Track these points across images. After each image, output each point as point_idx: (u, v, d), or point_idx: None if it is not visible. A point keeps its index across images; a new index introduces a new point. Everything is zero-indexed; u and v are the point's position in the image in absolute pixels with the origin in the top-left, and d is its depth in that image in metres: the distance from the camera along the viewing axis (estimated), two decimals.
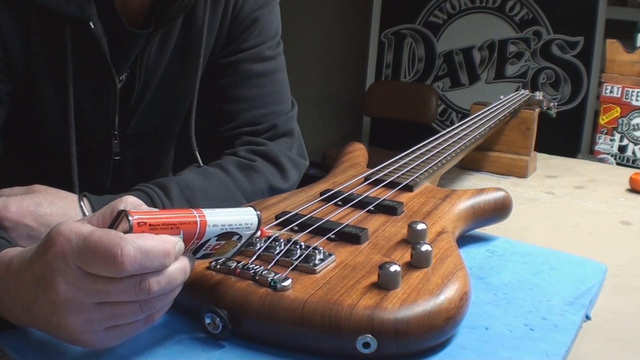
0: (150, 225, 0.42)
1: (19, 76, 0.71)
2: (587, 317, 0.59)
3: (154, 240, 0.41)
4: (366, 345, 0.46)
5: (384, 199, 0.67)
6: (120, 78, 0.77)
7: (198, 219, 0.44)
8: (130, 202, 0.47)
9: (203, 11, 0.79)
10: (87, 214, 0.65)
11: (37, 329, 0.46)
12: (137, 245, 0.40)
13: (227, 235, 0.46)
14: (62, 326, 0.42)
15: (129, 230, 0.42)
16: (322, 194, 0.68)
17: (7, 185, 0.65)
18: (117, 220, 0.43)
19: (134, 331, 0.44)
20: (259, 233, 0.49)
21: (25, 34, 0.69)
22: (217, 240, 0.46)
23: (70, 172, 0.73)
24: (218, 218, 0.45)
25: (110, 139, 0.81)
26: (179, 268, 0.44)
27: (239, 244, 0.48)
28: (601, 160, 1.49)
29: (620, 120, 1.48)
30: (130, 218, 0.42)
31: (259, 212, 0.48)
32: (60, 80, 0.72)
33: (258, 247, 0.54)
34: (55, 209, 0.63)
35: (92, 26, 0.69)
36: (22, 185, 0.65)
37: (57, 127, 0.76)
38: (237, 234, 0.47)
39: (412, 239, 0.58)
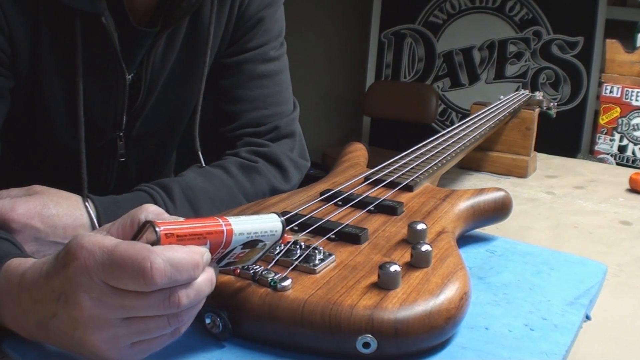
0: (177, 236, 0.41)
1: (26, 71, 0.71)
2: (587, 317, 0.59)
3: (182, 252, 0.40)
4: (366, 345, 0.46)
5: (384, 199, 0.67)
6: (127, 77, 0.77)
7: (225, 228, 0.43)
8: (151, 211, 0.46)
9: (210, 11, 0.79)
10: (92, 214, 0.64)
11: (54, 345, 0.45)
12: (166, 257, 0.39)
13: (252, 243, 0.46)
14: (85, 343, 0.41)
15: (156, 241, 0.41)
16: (322, 194, 0.68)
17: (9, 185, 0.65)
18: (142, 231, 0.42)
19: (159, 345, 0.44)
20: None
21: (33, 28, 0.69)
22: (242, 248, 0.45)
23: (78, 170, 0.72)
24: (244, 226, 0.44)
25: (116, 140, 0.81)
26: (206, 279, 0.43)
27: (263, 251, 0.48)
28: (601, 160, 1.49)
29: (620, 120, 1.48)
30: (157, 229, 0.41)
31: (282, 219, 0.47)
32: (69, 76, 0.71)
33: None
34: (62, 209, 0.63)
35: (104, 21, 0.69)
36: (23, 185, 0.65)
37: (65, 124, 0.75)
38: (262, 241, 0.46)
39: (412, 239, 0.58)
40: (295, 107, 0.89)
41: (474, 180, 1.10)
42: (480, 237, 0.73)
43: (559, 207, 0.97)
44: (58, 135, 0.77)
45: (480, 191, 0.71)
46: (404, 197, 0.69)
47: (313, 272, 0.52)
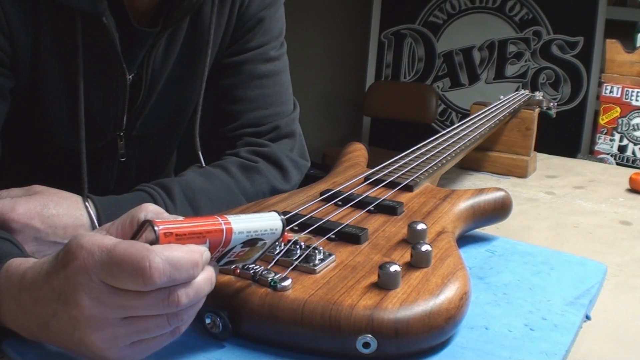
0: (176, 235, 0.41)
1: (27, 71, 0.71)
2: (587, 317, 0.59)
3: (181, 251, 0.40)
4: (366, 345, 0.46)
5: (384, 199, 0.67)
6: (128, 77, 0.77)
7: (224, 227, 0.43)
8: (150, 211, 0.45)
9: (210, 11, 0.79)
10: (92, 214, 0.64)
11: (54, 345, 0.45)
12: (165, 257, 0.39)
13: (252, 242, 0.45)
14: (85, 342, 0.41)
15: (155, 241, 0.41)
16: (322, 194, 0.68)
17: (9, 185, 0.65)
18: (141, 230, 0.42)
19: (159, 345, 0.43)
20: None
21: (34, 28, 0.69)
22: (242, 247, 0.45)
23: (78, 170, 0.72)
24: (244, 225, 0.44)
25: (116, 140, 0.81)
26: (206, 278, 0.43)
27: (263, 250, 0.48)
28: (601, 160, 1.49)
29: (620, 120, 1.48)
30: (156, 228, 0.41)
31: (282, 217, 0.47)
32: (70, 76, 0.71)
33: None
34: (62, 209, 0.63)
35: (105, 21, 0.69)
36: (23, 185, 0.65)
37: (66, 124, 0.76)
38: (262, 239, 0.46)
39: (412, 239, 0.58)
40: (295, 107, 0.89)
41: (474, 180, 1.10)
42: (480, 237, 0.73)
43: (559, 207, 0.97)
44: (58, 135, 0.77)
45: (480, 191, 0.71)
46: (404, 197, 0.69)
47: (313, 272, 0.52)
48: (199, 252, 0.42)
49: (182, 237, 0.42)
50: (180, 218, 0.44)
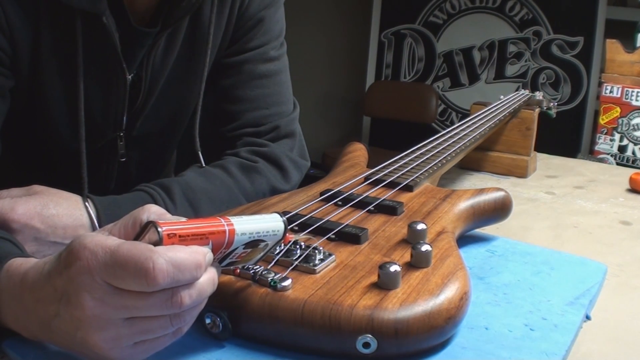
0: (180, 236, 0.41)
1: (26, 71, 0.71)
2: (587, 317, 0.59)
3: (185, 252, 0.40)
4: (366, 345, 0.46)
5: (384, 199, 0.67)
6: (128, 77, 0.77)
7: (227, 228, 0.43)
8: (153, 212, 0.46)
9: (210, 11, 0.79)
10: (92, 214, 0.64)
11: (56, 345, 0.45)
12: (168, 258, 0.39)
13: (254, 243, 0.46)
14: (88, 343, 0.41)
15: (159, 242, 0.41)
16: (322, 194, 0.68)
17: (9, 186, 0.65)
18: (144, 231, 0.42)
19: (162, 345, 0.44)
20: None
21: (34, 28, 0.69)
22: (244, 248, 0.45)
23: (78, 170, 0.72)
24: (246, 226, 0.45)
25: (116, 140, 0.81)
26: (209, 279, 0.43)
27: (265, 251, 0.48)
28: (601, 160, 1.49)
29: (620, 120, 1.48)
30: (159, 229, 0.41)
31: (284, 219, 0.47)
32: (70, 76, 0.71)
33: None
34: (61, 209, 0.63)
35: (105, 21, 0.69)
36: (23, 185, 0.65)
37: (65, 124, 0.76)
38: (264, 241, 0.46)
39: (412, 239, 0.58)
40: (295, 107, 0.89)
41: (474, 180, 1.10)
42: (480, 237, 0.73)
43: (559, 207, 0.97)
44: (58, 135, 0.77)
45: (480, 191, 0.71)
46: (404, 197, 0.69)
47: (313, 272, 0.52)
48: (202, 253, 0.42)
49: (186, 238, 0.42)
50: (183, 219, 0.44)
